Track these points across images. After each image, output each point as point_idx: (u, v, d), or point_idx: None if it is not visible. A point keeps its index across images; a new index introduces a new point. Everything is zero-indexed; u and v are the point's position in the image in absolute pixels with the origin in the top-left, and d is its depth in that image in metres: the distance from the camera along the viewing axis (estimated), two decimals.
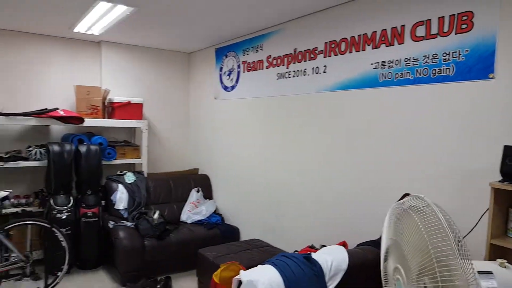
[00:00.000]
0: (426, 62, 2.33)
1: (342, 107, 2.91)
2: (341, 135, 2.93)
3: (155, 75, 4.83)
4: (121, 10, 3.21)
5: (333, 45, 2.96)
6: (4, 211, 3.58)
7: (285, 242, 3.38)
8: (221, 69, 4.36)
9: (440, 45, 2.26)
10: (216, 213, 4.27)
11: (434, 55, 2.29)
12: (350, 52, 2.83)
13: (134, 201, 4.03)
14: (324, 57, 3.03)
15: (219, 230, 3.95)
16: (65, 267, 3.25)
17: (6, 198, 3.33)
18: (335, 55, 2.95)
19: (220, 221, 4.12)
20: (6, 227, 3.10)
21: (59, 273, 3.24)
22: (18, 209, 3.73)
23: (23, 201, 3.86)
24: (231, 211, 4.24)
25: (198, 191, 4.35)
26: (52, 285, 3.22)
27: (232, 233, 4.00)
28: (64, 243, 3.24)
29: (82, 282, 3.54)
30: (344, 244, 2.37)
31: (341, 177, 2.92)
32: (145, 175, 4.39)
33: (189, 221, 4.08)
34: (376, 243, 2.14)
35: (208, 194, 4.48)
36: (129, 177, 4.17)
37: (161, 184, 4.35)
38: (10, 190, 3.33)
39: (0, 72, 3.99)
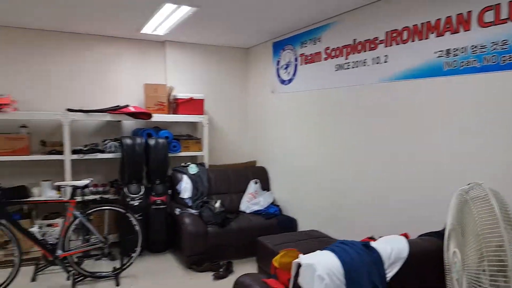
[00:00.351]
0: (494, 49, 2.22)
1: (403, 97, 2.86)
2: (401, 124, 2.87)
3: (214, 71, 5.04)
4: (184, 10, 3.40)
5: (394, 34, 2.91)
6: (85, 197, 4.00)
7: (343, 234, 3.39)
8: (278, 62, 4.44)
9: (511, 31, 2.14)
10: (273, 204, 4.38)
11: (504, 41, 2.17)
12: (413, 41, 2.76)
13: (197, 191, 4.27)
14: (385, 46, 2.98)
15: (277, 220, 4.06)
16: (138, 249, 3.56)
17: (86, 186, 3.70)
18: (396, 44, 2.89)
19: (278, 212, 4.23)
20: (87, 212, 3.46)
21: (132, 255, 3.55)
22: (97, 196, 4.14)
23: (101, 189, 4.28)
24: (288, 202, 4.33)
25: (256, 183, 4.49)
26: (127, 265, 3.55)
27: (289, 223, 4.09)
28: (137, 227, 3.54)
29: (152, 263, 3.85)
30: (405, 236, 2.34)
31: (403, 168, 2.88)
32: (207, 166, 4.63)
33: (247, 211, 4.24)
34: (439, 234, 2.10)
35: (265, 186, 4.61)
36: (193, 169, 4.43)
37: (221, 176, 4.55)
38: (91, 179, 3.71)
39: (78, 73, 4.43)
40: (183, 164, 4.51)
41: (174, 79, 4.80)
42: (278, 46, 4.44)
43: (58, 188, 4.03)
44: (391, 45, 2.94)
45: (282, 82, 4.37)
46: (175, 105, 4.62)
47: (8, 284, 3.14)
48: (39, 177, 4.10)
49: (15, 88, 4.08)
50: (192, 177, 4.34)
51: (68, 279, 3.36)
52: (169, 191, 4.21)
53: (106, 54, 4.55)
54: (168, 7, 3.33)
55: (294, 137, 4.20)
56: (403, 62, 2.84)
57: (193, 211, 3.99)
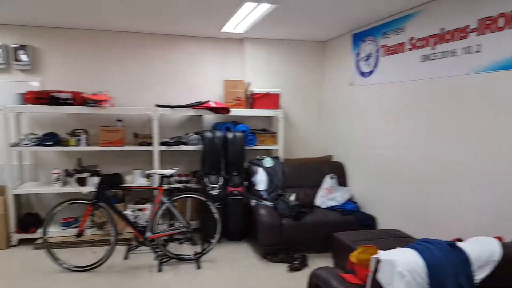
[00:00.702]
0: None
1: (498, 88, 2.61)
2: (494, 118, 2.63)
3: (290, 66, 5.08)
4: (264, 8, 3.47)
5: (488, 22, 2.67)
6: (171, 186, 4.32)
7: (428, 234, 3.17)
8: (357, 54, 4.33)
9: None
10: (351, 200, 4.30)
11: None
12: (510, 28, 2.51)
13: (272, 183, 4.37)
14: (478, 35, 2.75)
15: (354, 217, 3.97)
16: (217, 236, 3.77)
17: (172, 175, 3.99)
18: (491, 33, 2.65)
19: (355, 209, 4.14)
20: (173, 199, 3.74)
21: (212, 241, 3.77)
22: (181, 185, 4.44)
23: (184, 178, 4.59)
24: (367, 199, 4.21)
25: (332, 178, 4.44)
26: (207, 250, 3.78)
27: (368, 221, 3.97)
28: (216, 215, 3.74)
29: (229, 251, 4.04)
30: (498, 239, 2.15)
31: (498, 167, 2.63)
32: (281, 160, 4.70)
33: (323, 206, 4.22)
34: None
35: (342, 182, 4.53)
36: (268, 162, 4.53)
37: (296, 169, 4.58)
38: (178, 168, 4.00)
39: (164, 71, 4.80)
40: (258, 157, 4.64)
41: (251, 74, 4.94)
42: (358, 38, 4.32)
43: (148, 176, 4.42)
44: (484, 34, 2.70)
45: (362, 74, 4.25)
46: (252, 100, 4.76)
47: (105, 260, 3.56)
48: (132, 166, 4.54)
49: (112, 86, 4.56)
50: (267, 170, 4.44)
51: (155, 259, 3.68)
52: (245, 183, 4.37)
53: (190, 53, 4.86)
54: (248, 6, 3.44)
55: (374, 131, 4.07)
56: (499, 51, 2.59)
57: (268, 203, 4.09)
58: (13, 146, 4.07)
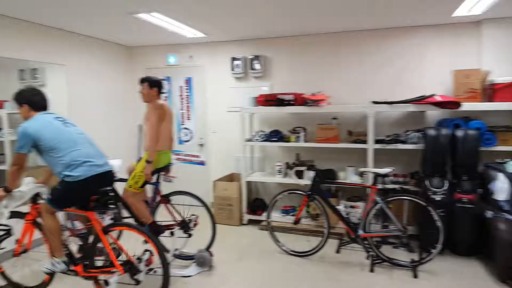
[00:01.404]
0: None
1: None
2: None
3: None
4: None
5: None
6: (385, 186, 4.07)
7: None
8: None
9: None
10: None
11: None
12: None
13: None
14: None
15: None
16: (439, 247, 3.26)
17: (387, 175, 3.74)
18: None
19: None
20: (387, 199, 3.48)
21: (432, 251, 3.29)
22: (396, 186, 4.12)
23: (400, 179, 4.24)
24: None
25: None
26: (426, 260, 3.33)
27: None
28: (438, 223, 3.24)
29: (454, 266, 3.44)
30: None
31: None
32: None
33: None
34: None
35: None
36: None
37: None
38: (393, 168, 3.72)
39: (379, 67, 4.62)
40: (498, 160, 3.77)
41: (491, 61, 4.13)
42: None
43: (361, 174, 4.32)
44: None
45: None
46: (491, 92, 3.94)
47: (318, 250, 3.68)
48: (345, 163, 4.55)
49: (328, 85, 4.71)
50: (510, 176, 3.56)
51: (367, 258, 3.52)
52: (479, 190, 3.63)
53: (410, 45, 4.51)
54: None
55: None
56: None
57: (510, 216, 3.26)
58: (247, 141, 4.79)
